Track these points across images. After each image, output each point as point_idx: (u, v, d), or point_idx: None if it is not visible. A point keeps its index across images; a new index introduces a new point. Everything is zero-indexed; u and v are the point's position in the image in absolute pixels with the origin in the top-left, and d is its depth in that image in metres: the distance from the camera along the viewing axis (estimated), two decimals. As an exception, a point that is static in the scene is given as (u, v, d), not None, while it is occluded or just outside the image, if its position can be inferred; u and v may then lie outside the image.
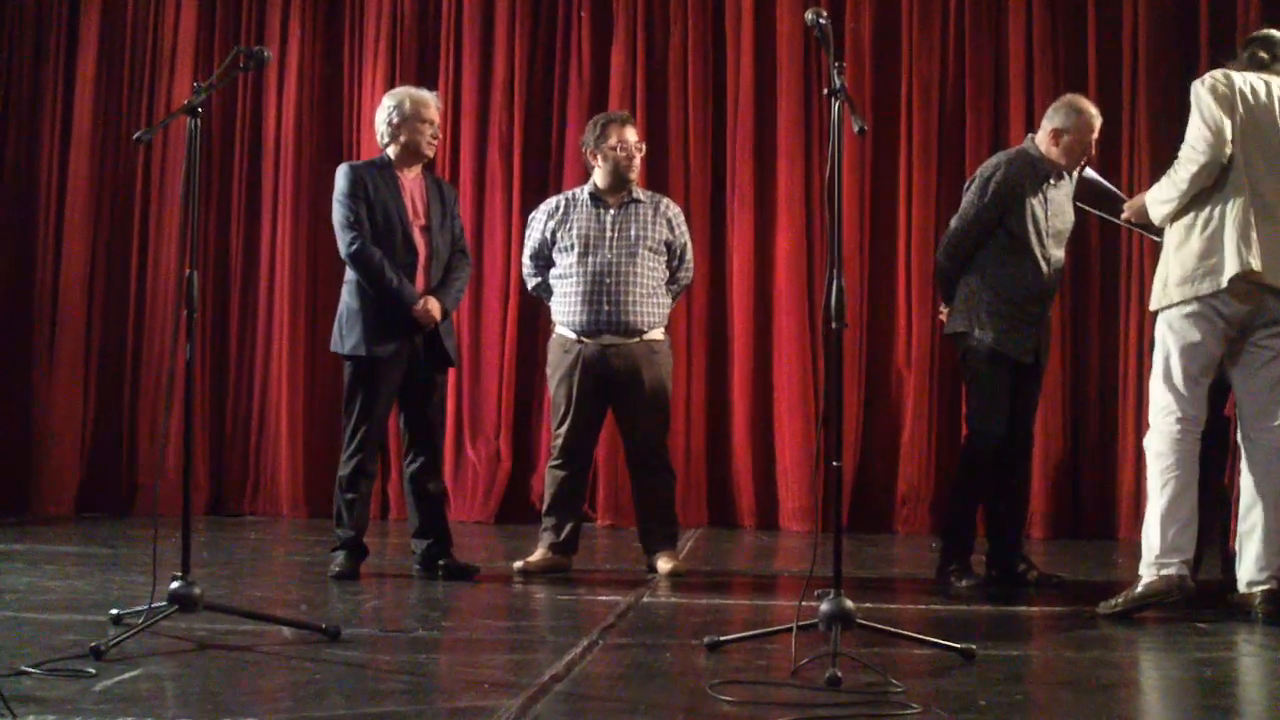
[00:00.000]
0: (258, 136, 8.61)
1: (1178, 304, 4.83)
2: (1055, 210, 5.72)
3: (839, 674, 3.54)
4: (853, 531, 7.68)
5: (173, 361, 7.90)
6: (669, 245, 6.03)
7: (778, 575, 6.27)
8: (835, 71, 4.09)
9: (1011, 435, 5.72)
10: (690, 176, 8.24)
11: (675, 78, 8.32)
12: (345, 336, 5.67)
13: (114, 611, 4.33)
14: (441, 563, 5.72)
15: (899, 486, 7.95)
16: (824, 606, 3.88)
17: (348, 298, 5.71)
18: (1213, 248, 4.77)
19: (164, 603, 4.08)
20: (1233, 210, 4.76)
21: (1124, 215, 5.38)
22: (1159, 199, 4.96)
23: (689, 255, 6.15)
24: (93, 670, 3.58)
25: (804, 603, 4.09)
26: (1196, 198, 4.83)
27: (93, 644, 3.78)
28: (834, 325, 4.04)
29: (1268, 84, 4.90)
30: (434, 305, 5.63)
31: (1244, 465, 4.93)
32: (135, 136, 4.29)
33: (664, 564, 5.87)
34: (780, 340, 8.12)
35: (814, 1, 7.81)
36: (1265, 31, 5.10)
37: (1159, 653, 4.36)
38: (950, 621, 4.89)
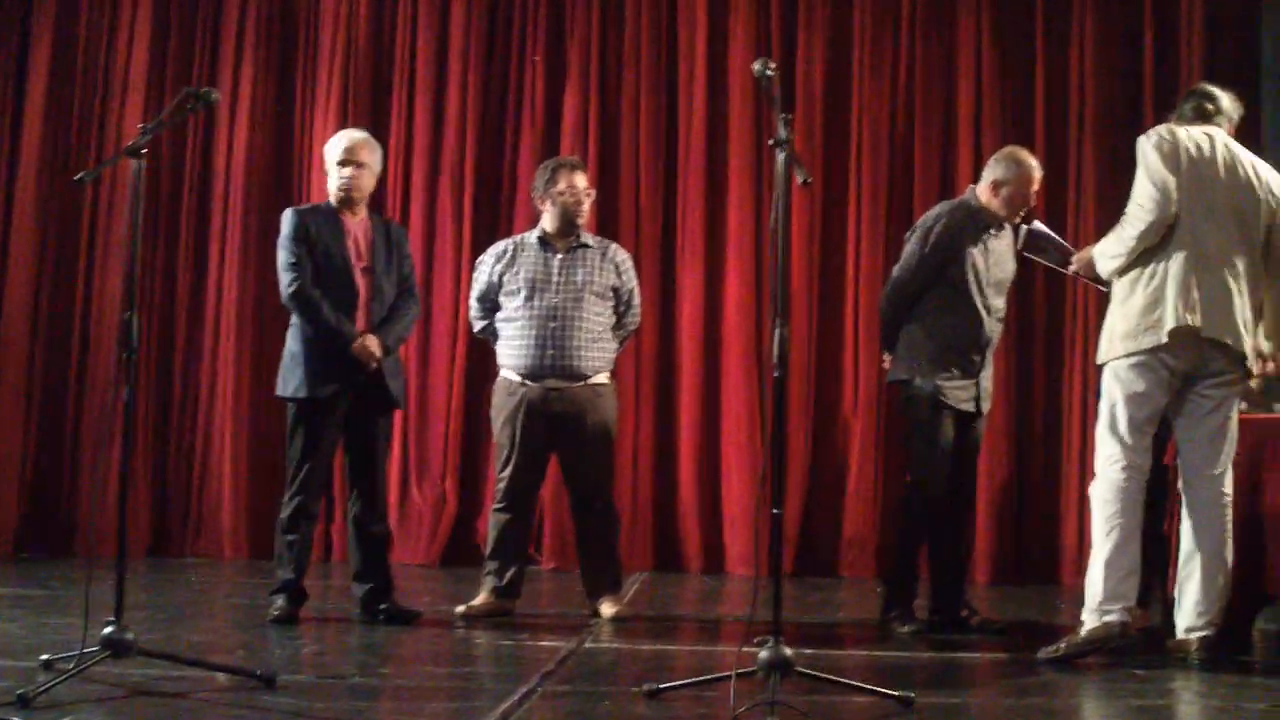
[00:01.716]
0: (207, 174, 8.56)
1: (1122, 356, 4.88)
2: (996, 260, 5.77)
3: (776, 723, 3.53)
4: (798, 575, 7.70)
5: (114, 401, 7.84)
6: (616, 291, 6.04)
7: (721, 621, 6.25)
8: (780, 122, 4.11)
9: (954, 483, 5.75)
10: (641, 220, 8.25)
11: (627, 121, 8.34)
12: (287, 379, 5.66)
13: (44, 657, 4.27)
14: (383, 607, 5.68)
15: (844, 531, 7.95)
16: (763, 654, 3.88)
17: (290, 341, 5.70)
18: (1155, 302, 4.84)
19: (96, 648, 4.03)
20: (1175, 266, 4.82)
21: (1072, 268, 5.44)
22: (1107, 254, 5.03)
23: (636, 301, 6.16)
24: (19, 719, 3.53)
25: (744, 649, 4.08)
26: (1142, 253, 4.89)
27: (20, 691, 3.73)
28: (775, 374, 4.04)
29: (1210, 137, 4.97)
30: (372, 342, 5.61)
31: (1184, 513, 4.97)
32: (77, 178, 4.27)
33: (607, 608, 5.86)
34: (728, 386, 8.13)
35: (766, 51, 8.07)
36: (1205, 87, 5.20)
37: (1098, 699, 4.39)
38: (891, 668, 4.89)
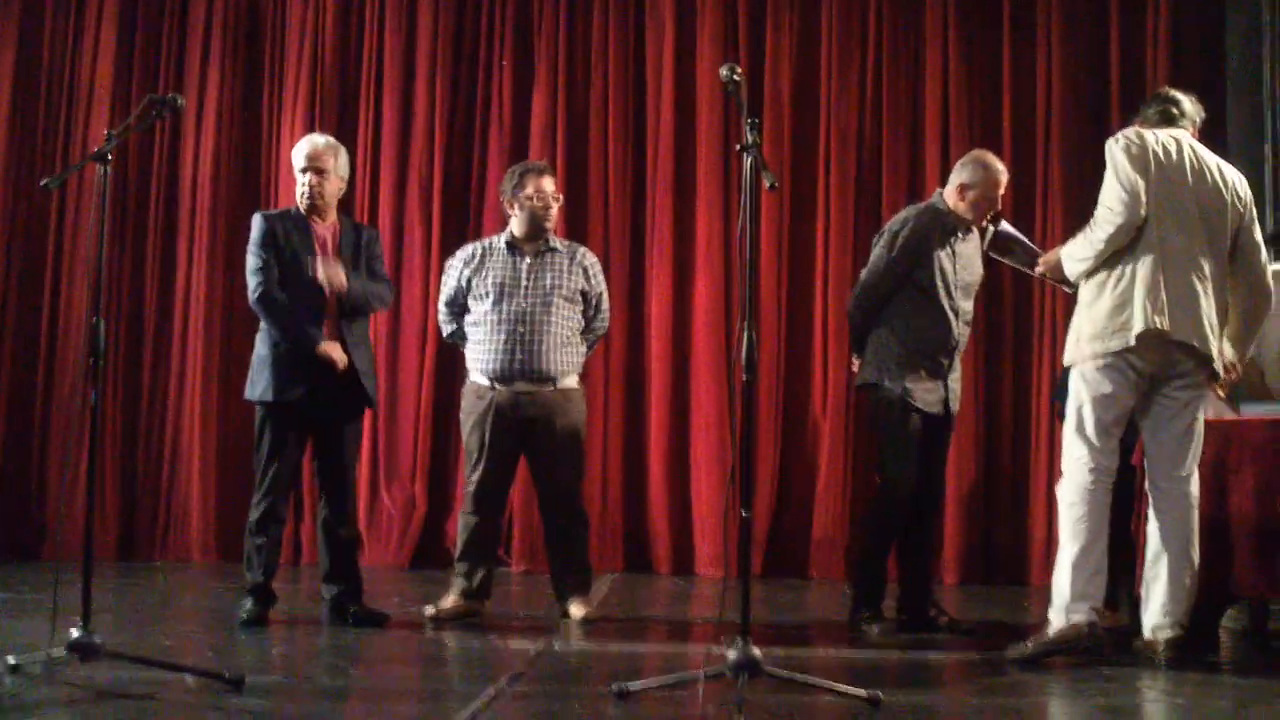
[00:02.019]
0: (174, 181, 8.55)
1: (1090, 358, 4.92)
2: (964, 264, 5.81)
3: (744, 722, 3.55)
4: (767, 577, 7.72)
5: (82, 405, 7.82)
6: (585, 294, 6.05)
7: (690, 622, 6.26)
8: (747, 127, 4.14)
9: (922, 484, 5.79)
10: (610, 224, 8.27)
11: (596, 125, 8.36)
12: (255, 382, 5.67)
13: (11, 660, 4.23)
14: (352, 609, 5.68)
15: (814, 532, 7.98)
16: (731, 654, 3.90)
17: (258, 344, 5.72)
18: (1123, 305, 4.86)
19: (63, 651, 4.02)
20: (1143, 269, 4.85)
21: (1039, 270, 5.44)
22: (1075, 256, 5.04)
23: (605, 305, 6.18)
24: (-13, 721, 3.53)
25: (713, 650, 4.09)
26: (1110, 256, 4.92)
27: (-12, 694, 3.72)
28: (743, 377, 4.06)
29: (1177, 141, 5.01)
30: (335, 350, 5.61)
31: (1151, 513, 5.00)
32: (43, 183, 4.26)
33: (576, 610, 5.87)
34: (697, 389, 8.15)
35: (734, 56, 8.09)
36: (1168, 91, 5.24)
37: (1064, 699, 4.41)
38: (859, 668, 4.91)
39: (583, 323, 6.06)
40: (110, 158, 4.27)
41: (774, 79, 8.25)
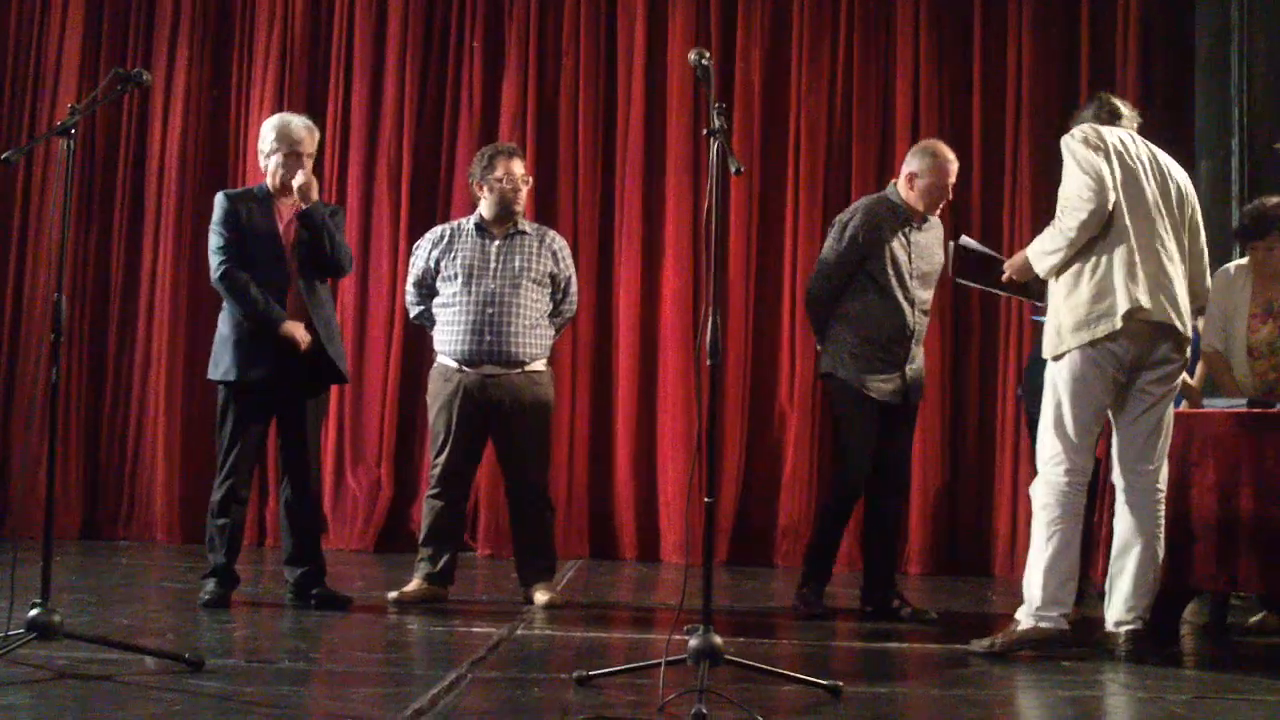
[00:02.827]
0: (141, 160, 8.50)
1: (1074, 349, 4.89)
2: (920, 253, 5.84)
3: (704, 710, 3.54)
4: (733, 565, 7.73)
5: (39, 384, 7.79)
6: (553, 278, 6.04)
7: (655, 609, 6.25)
8: (715, 112, 4.13)
9: (883, 475, 5.82)
10: (579, 209, 8.27)
11: (566, 109, 8.35)
12: (217, 362, 5.64)
13: (-32, 639, 4.23)
14: (314, 592, 5.66)
15: (779, 521, 8.00)
16: (693, 642, 3.89)
17: (221, 324, 5.68)
18: (1103, 291, 4.84)
19: (21, 630, 4.00)
20: (1119, 255, 4.84)
21: (1005, 275, 5.35)
22: (1045, 250, 5.01)
23: (573, 288, 6.16)
24: (-57, 700, 3.50)
25: (675, 637, 4.09)
26: (1081, 248, 4.90)
27: (-55, 673, 3.69)
28: (709, 362, 4.05)
29: (1130, 135, 5.03)
30: (298, 329, 5.58)
31: (1118, 507, 5.00)
32: (3, 156, 4.21)
33: (540, 596, 5.86)
34: (665, 375, 8.15)
35: (705, 42, 8.09)
36: (1106, 95, 5.24)
37: (1025, 691, 4.42)
38: (821, 658, 4.92)
39: (551, 306, 6.04)
40: (74, 132, 4.23)
41: (745, 69, 8.26)
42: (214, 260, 5.62)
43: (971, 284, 5.64)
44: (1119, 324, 4.82)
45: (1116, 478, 5.04)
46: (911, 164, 5.85)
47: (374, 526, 8.09)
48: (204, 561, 5.69)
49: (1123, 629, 4.90)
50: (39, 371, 8.18)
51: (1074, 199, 4.89)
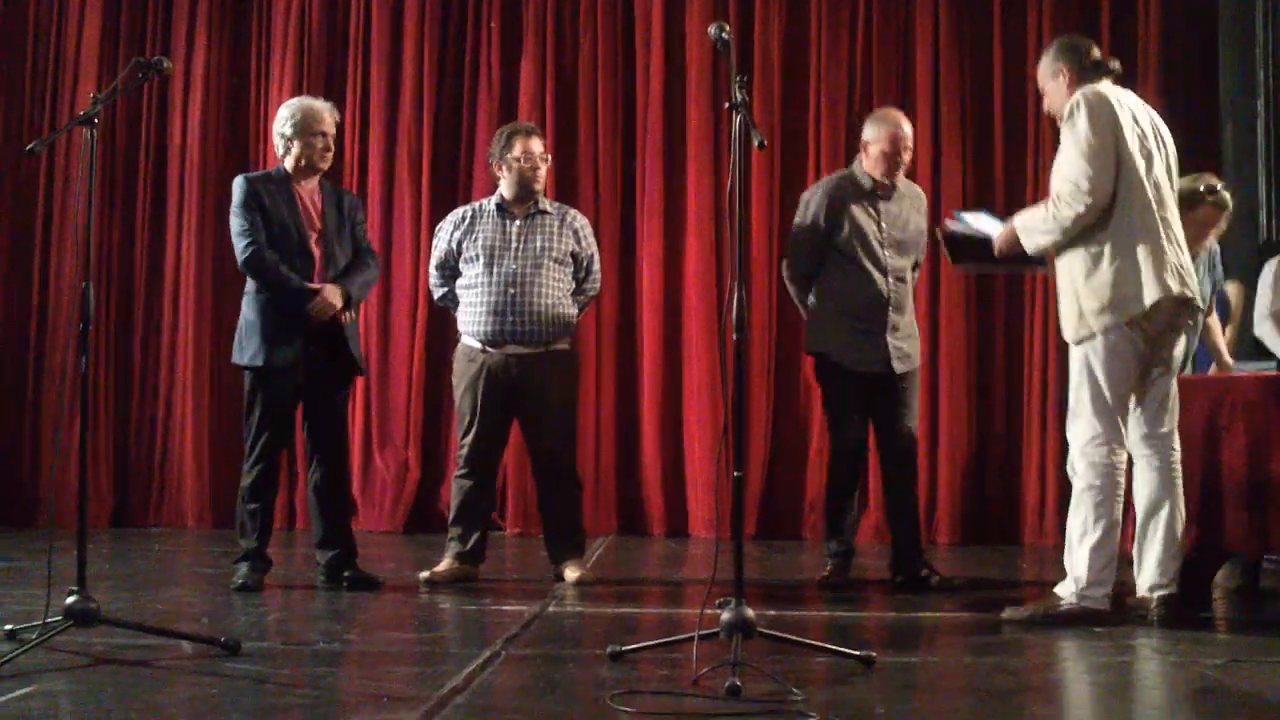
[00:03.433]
0: (163, 147, 8.51)
1: (1100, 333, 4.84)
2: (892, 221, 5.87)
3: (739, 683, 3.56)
4: (761, 538, 7.74)
5: (71, 373, 7.81)
6: (575, 257, 6.04)
7: (684, 583, 6.28)
8: (736, 85, 4.12)
9: (886, 445, 5.90)
10: (600, 187, 8.26)
11: (585, 89, 8.33)
12: (243, 347, 5.66)
13: (8, 627, 4.25)
14: (346, 574, 5.69)
15: (806, 493, 8.00)
16: (725, 615, 3.91)
17: (246, 309, 5.69)
18: (1128, 272, 4.79)
19: (59, 617, 4.03)
20: (1143, 234, 4.79)
21: (996, 249, 5.23)
22: (1037, 230, 4.95)
23: (596, 267, 6.16)
24: (-16, 687, 3.53)
25: (706, 611, 4.10)
26: (1099, 223, 4.83)
27: (-16, 660, 3.73)
28: (734, 336, 4.06)
29: (1135, 102, 4.98)
30: (330, 291, 5.60)
31: (1139, 474, 4.98)
32: (29, 147, 4.23)
33: (570, 573, 5.88)
34: (689, 350, 8.15)
35: (724, 17, 8.06)
36: (1087, 45, 5.13)
37: (1057, 658, 4.42)
38: (852, 628, 4.93)
39: (574, 285, 6.04)
40: (97, 121, 4.24)
41: (764, 41, 8.22)
42: (240, 243, 5.62)
43: (971, 268, 5.58)
44: (1146, 308, 4.79)
45: (1135, 445, 5.00)
46: (866, 133, 5.91)
47: (403, 508, 8.12)
48: (235, 546, 5.72)
49: (1156, 593, 4.88)
50: (67, 361, 8.22)
51: (1072, 188, 4.82)
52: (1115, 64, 5.09)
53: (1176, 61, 7.92)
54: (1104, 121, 4.82)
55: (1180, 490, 4.95)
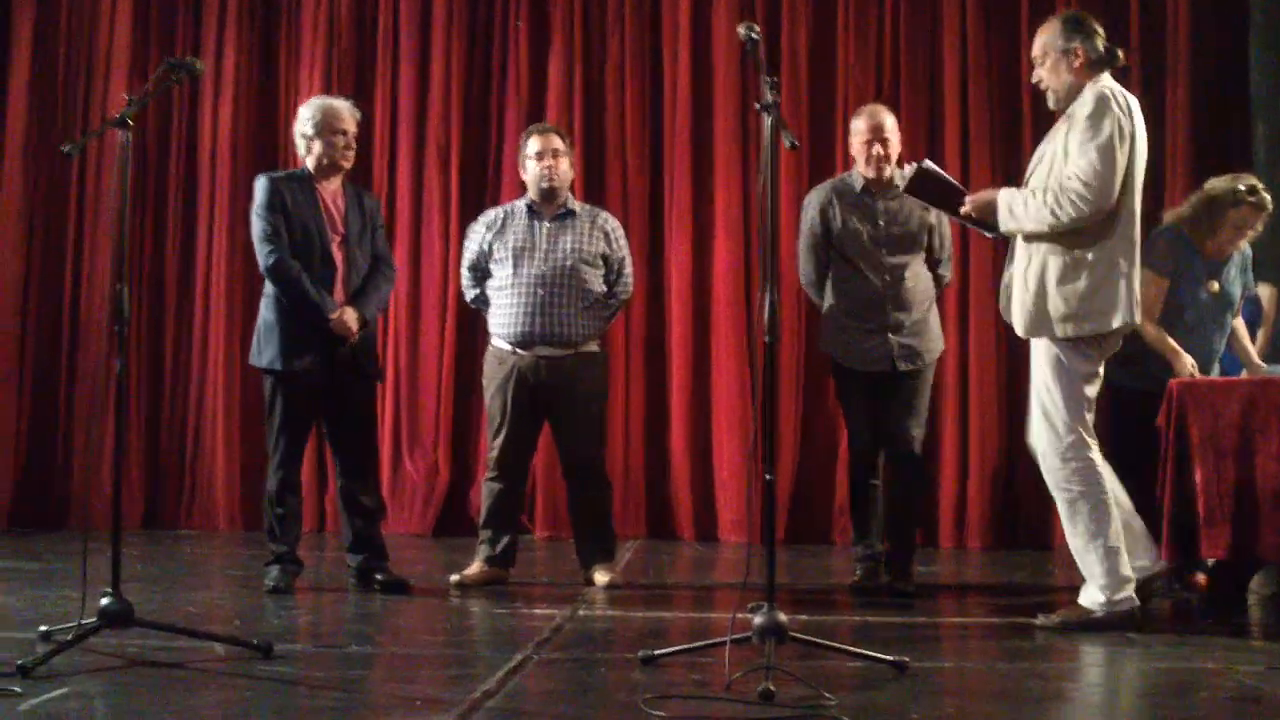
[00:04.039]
0: (193, 147, 8.54)
1: (1073, 338, 4.81)
2: (892, 218, 5.85)
3: (772, 688, 3.55)
4: (791, 543, 7.71)
5: (105, 375, 7.85)
6: (606, 259, 6.03)
7: (715, 588, 6.27)
8: (766, 86, 4.11)
9: (887, 445, 5.88)
10: (628, 189, 8.25)
11: (613, 90, 8.32)
12: (263, 350, 5.67)
13: (43, 628, 4.27)
14: (377, 577, 5.70)
15: (836, 497, 7.97)
16: (757, 620, 3.90)
17: (265, 311, 5.70)
18: (1098, 289, 4.77)
19: (94, 619, 4.05)
20: (1120, 253, 4.78)
21: (965, 209, 5.11)
22: (1026, 216, 4.83)
23: (627, 269, 6.16)
24: (19, 689, 3.54)
25: (738, 616, 4.10)
26: (1085, 230, 4.77)
27: (20, 661, 3.74)
28: (765, 339, 4.05)
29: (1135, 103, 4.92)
30: (350, 316, 5.61)
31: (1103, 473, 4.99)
32: (64, 149, 4.25)
33: (600, 577, 5.87)
34: (718, 353, 8.14)
35: (751, 16, 8.05)
36: (1098, 29, 5.00)
37: (1090, 664, 4.40)
38: (885, 633, 4.91)
39: (604, 287, 6.04)
40: (131, 123, 4.25)
41: (791, 39, 8.20)
42: (262, 249, 5.62)
43: (921, 199, 5.44)
44: (1112, 328, 4.81)
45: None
46: (851, 130, 5.99)
47: (433, 511, 8.12)
48: (266, 549, 5.74)
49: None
50: (99, 362, 8.25)
51: (1081, 189, 4.71)
52: (1121, 56, 5.00)
53: (1206, 59, 7.87)
54: (1126, 130, 4.78)
55: None
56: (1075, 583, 4.99)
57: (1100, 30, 4.98)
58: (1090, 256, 4.77)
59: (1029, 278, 4.88)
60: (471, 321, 7.69)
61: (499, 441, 5.96)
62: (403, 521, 8.06)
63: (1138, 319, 4.84)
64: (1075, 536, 4.88)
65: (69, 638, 4.00)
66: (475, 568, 5.91)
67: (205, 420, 8.37)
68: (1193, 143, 7.80)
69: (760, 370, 4.07)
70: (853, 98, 8.10)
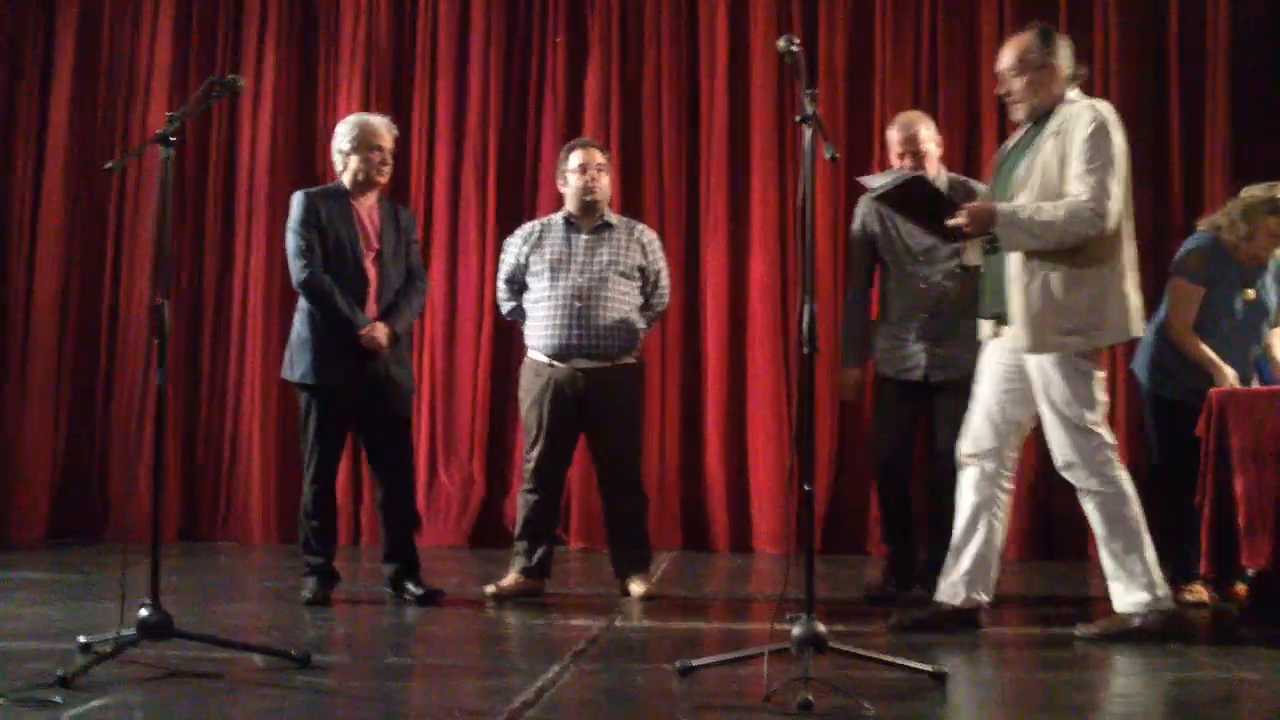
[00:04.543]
0: (232, 163, 8.60)
1: (1073, 351, 4.76)
2: (909, 231, 5.77)
3: (811, 698, 3.54)
4: (827, 553, 7.68)
5: (144, 388, 7.89)
6: (643, 271, 6.04)
7: (751, 598, 6.26)
8: (807, 98, 4.11)
9: (927, 463, 5.89)
10: (665, 201, 8.26)
11: (649, 102, 8.34)
12: (295, 364, 5.71)
13: (82, 639, 4.29)
14: (411, 587, 5.71)
15: (872, 508, 7.94)
16: (796, 630, 3.89)
17: (299, 325, 5.74)
18: (1102, 302, 4.74)
19: (133, 630, 4.06)
20: (1126, 267, 4.77)
21: (958, 221, 4.81)
22: (1034, 234, 4.69)
23: (664, 281, 6.16)
24: (60, 699, 3.56)
25: (776, 626, 4.09)
26: (1088, 243, 4.72)
27: (60, 673, 3.76)
28: (805, 350, 4.04)
29: None
30: (380, 331, 5.63)
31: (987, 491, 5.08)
32: (107, 166, 4.29)
33: (636, 588, 5.87)
34: (754, 364, 8.12)
35: (788, 27, 8.05)
36: (1067, 42, 5.01)
37: (1131, 675, 4.37)
38: (923, 643, 4.88)
39: (641, 299, 6.04)
40: (174, 139, 4.28)
41: (828, 50, 8.20)
42: (296, 264, 5.67)
43: (893, 207, 5.23)
44: (1124, 340, 4.88)
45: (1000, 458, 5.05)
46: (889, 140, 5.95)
47: (468, 522, 8.14)
48: (300, 560, 5.75)
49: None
50: (138, 376, 8.30)
51: (1095, 207, 4.65)
52: (1084, 70, 5.01)
53: (1248, 79, 7.84)
54: (1121, 142, 4.78)
55: None
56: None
57: (1065, 48, 4.97)
58: (1091, 270, 4.73)
59: (1032, 294, 4.77)
60: (507, 334, 7.71)
61: (535, 453, 5.96)
62: (438, 533, 8.08)
63: (1143, 329, 4.86)
64: (1117, 538, 4.83)
65: (108, 649, 4.02)
66: (511, 579, 5.91)
67: (241, 433, 8.41)
68: (1231, 153, 7.77)
69: (796, 382, 4.06)
70: (890, 108, 8.07)
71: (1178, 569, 5.81)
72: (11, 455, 8.39)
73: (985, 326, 5.07)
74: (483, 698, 3.81)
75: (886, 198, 4.98)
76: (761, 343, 8.10)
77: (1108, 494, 4.84)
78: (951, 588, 5.02)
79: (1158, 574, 4.81)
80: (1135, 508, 4.83)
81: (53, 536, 8.24)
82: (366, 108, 8.00)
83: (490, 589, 5.86)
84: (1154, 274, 7.18)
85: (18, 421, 8.41)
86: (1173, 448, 5.79)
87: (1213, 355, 5.61)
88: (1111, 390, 7.55)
